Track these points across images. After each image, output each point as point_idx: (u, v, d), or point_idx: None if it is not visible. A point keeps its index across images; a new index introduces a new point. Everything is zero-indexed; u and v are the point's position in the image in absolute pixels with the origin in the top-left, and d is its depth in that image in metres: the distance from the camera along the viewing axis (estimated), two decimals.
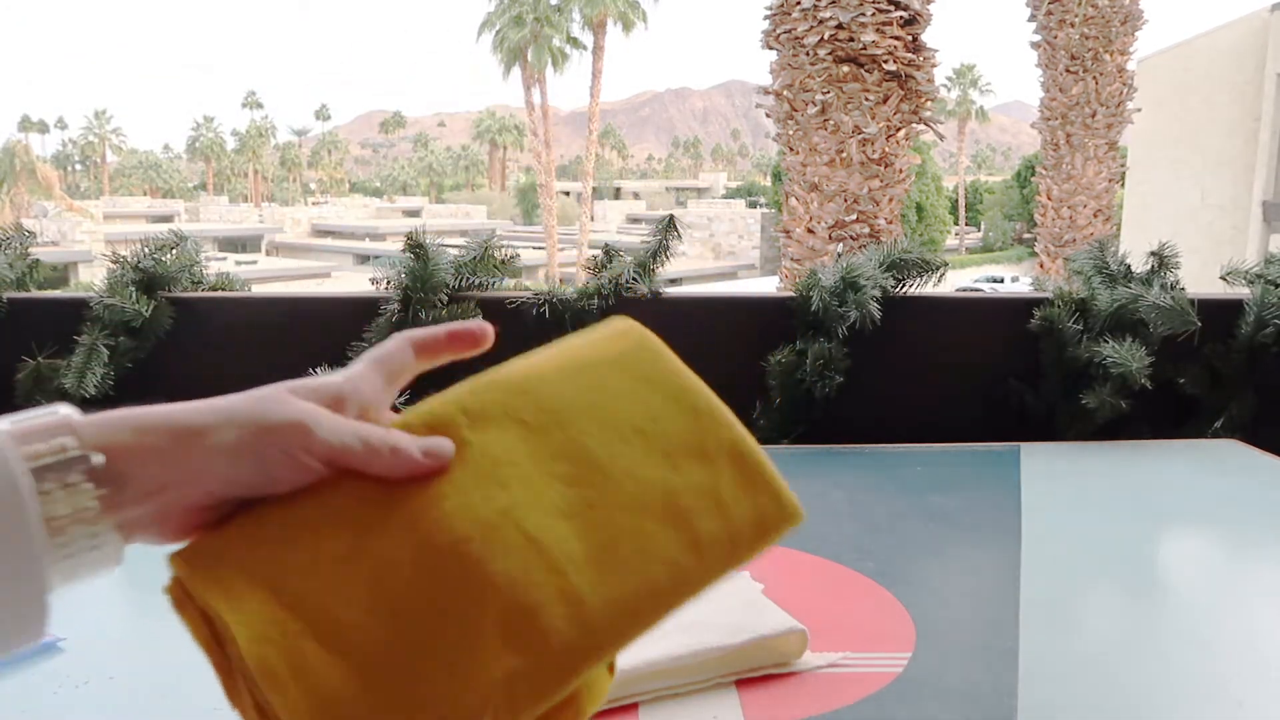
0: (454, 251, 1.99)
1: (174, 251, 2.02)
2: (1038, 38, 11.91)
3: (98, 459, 0.40)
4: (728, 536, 0.49)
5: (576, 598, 0.44)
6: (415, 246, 1.91)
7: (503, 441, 0.48)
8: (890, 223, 7.75)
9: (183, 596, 0.43)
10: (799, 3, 7.52)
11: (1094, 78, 11.60)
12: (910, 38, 7.44)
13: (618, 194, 68.39)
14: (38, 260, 2.09)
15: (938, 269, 2.00)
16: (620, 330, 0.56)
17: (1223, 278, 2.06)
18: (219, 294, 2.06)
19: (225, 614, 0.41)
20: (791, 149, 7.90)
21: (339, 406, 0.45)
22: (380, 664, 0.42)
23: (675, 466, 0.50)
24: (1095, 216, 12.02)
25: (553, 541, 0.46)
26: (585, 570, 0.45)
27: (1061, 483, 1.63)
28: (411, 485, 0.45)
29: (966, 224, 43.49)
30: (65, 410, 0.41)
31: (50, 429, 0.40)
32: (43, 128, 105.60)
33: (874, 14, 7.32)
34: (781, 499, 0.51)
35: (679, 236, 2.00)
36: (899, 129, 7.57)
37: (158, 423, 0.41)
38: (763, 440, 1.93)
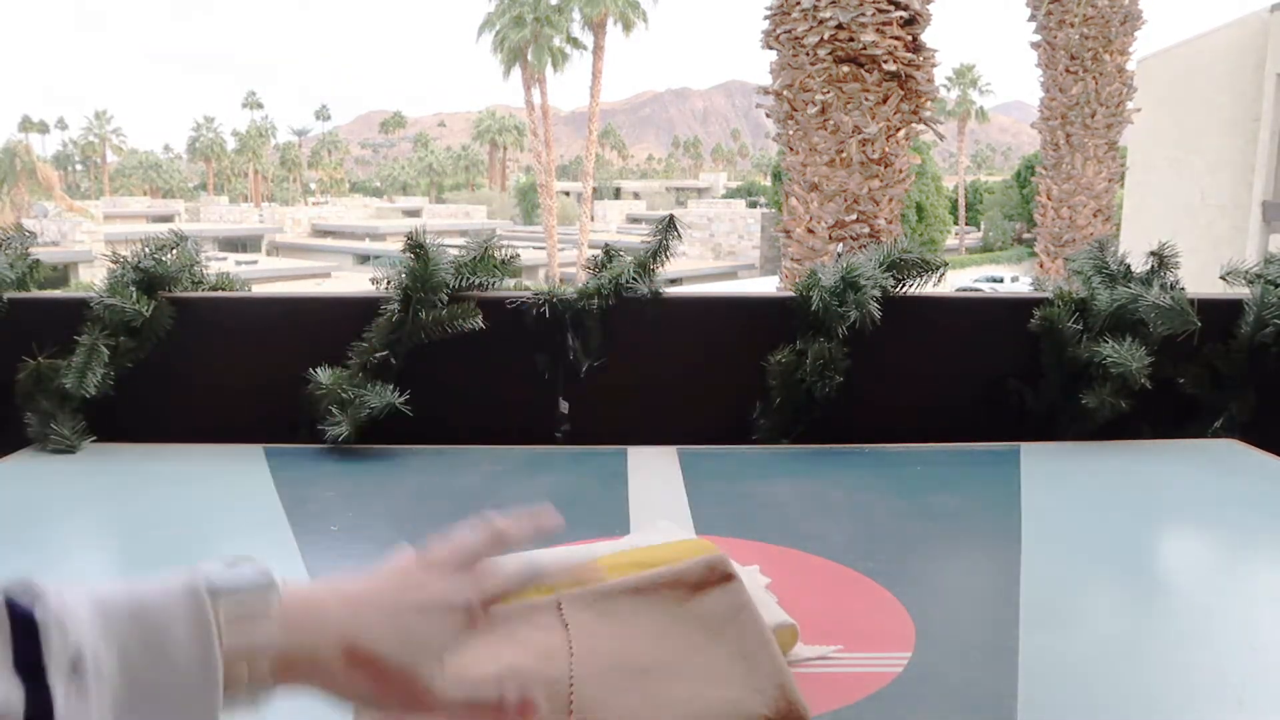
0: (454, 251, 1.98)
1: (174, 251, 2.01)
2: (1038, 38, 11.91)
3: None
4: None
5: None
6: (415, 246, 1.91)
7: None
8: (890, 223, 7.75)
9: None
10: (799, 3, 7.51)
11: (1094, 78, 11.60)
12: (910, 38, 7.44)
13: (618, 194, 68.31)
14: (38, 260, 2.09)
15: (938, 269, 2.00)
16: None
17: (1223, 278, 2.06)
18: (219, 294, 2.06)
19: None
20: (791, 149, 7.90)
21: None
22: None
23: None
24: (1095, 216, 12.02)
25: None
26: None
27: (1061, 483, 1.63)
28: None
29: (966, 224, 43.46)
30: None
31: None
32: (43, 128, 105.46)
33: (874, 14, 7.31)
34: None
35: (679, 236, 2.00)
36: (899, 129, 7.57)
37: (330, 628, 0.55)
38: (763, 440, 1.93)
